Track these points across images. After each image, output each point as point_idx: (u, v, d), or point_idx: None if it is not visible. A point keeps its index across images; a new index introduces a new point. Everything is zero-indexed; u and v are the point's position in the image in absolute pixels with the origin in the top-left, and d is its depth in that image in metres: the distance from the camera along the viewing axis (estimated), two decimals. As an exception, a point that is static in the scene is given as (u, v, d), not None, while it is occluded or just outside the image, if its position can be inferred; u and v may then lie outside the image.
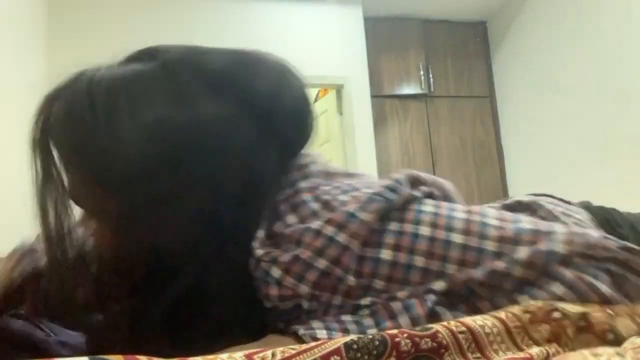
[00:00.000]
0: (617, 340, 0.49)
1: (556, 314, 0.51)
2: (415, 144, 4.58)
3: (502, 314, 0.51)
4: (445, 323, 0.48)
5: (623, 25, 3.63)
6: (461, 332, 0.47)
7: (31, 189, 0.65)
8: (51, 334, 0.82)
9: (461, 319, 0.49)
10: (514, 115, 4.71)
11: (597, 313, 0.52)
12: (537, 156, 4.43)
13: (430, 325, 0.47)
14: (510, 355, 0.46)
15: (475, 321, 0.49)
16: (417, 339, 0.45)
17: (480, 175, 4.67)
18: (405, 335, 0.45)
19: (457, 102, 4.77)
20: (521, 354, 0.46)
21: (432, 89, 4.70)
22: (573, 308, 0.52)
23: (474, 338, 0.47)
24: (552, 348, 0.48)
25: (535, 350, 0.46)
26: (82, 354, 0.49)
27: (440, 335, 0.46)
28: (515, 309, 0.52)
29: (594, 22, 3.86)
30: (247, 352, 0.43)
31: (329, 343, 0.44)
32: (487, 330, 0.48)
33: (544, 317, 0.51)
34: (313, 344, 0.44)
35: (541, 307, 0.51)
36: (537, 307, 0.51)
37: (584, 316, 0.51)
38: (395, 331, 0.45)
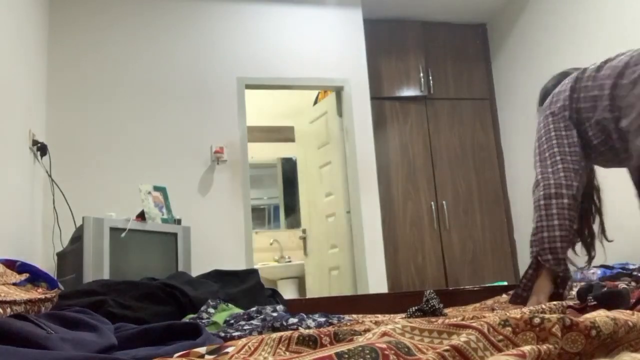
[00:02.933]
0: (599, 336, 0.51)
1: (536, 320, 0.53)
2: (415, 146, 4.59)
3: (484, 328, 0.52)
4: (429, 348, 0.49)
5: (623, 27, 3.64)
6: (446, 350, 0.48)
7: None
8: (51, 332, 0.83)
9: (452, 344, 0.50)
10: (514, 117, 4.72)
11: (572, 315, 0.54)
12: (536, 158, 4.43)
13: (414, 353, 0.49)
14: (498, 356, 0.48)
15: (460, 339, 0.50)
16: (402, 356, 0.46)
17: (480, 177, 4.67)
18: (393, 352, 0.46)
19: (457, 104, 4.78)
20: (514, 351, 0.47)
21: (431, 91, 4.71)
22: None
23: (459, 353, 0.48)
24: (544, 346, 0.49)
25: (527, 348, 0.47)
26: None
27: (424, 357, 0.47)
28: (494, 321, 0.53)
29: (594, 25, 3.87)
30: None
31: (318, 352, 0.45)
32: (473, 345, 0.50)
33: (525, 327, 0.52)
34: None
35: (520, 318, 0.53)
36: (516, 319, 0.53)
37: (563, 318, 0.52)
38: (384, 345, 0.46)
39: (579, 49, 3.99)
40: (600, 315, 0.54)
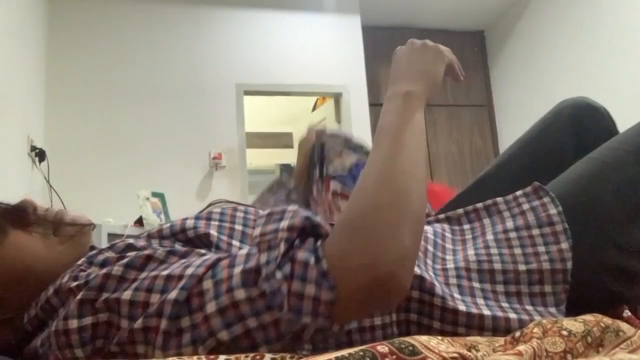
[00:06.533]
0: (573, 334, 0.52)
1: (517, 334, 0.54)
2: (414, 153, 4.59)
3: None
4: (436, 351, 0.48)
5: (619, 34, 3.66)
6: (453, 359, 0.48)
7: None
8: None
9: (458, 350, 0.50)
10: (512, 123, 4.73)
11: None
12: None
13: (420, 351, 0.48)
14: (497, 355, 0.48)
15: (470, 350, 0.50)
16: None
17: (478, 184, 4.68)
18: (394, 357, 0.45)
19: (455, 111, 4.80)
20: (512, 351, 0.47)
21: (430, 98, 4.72)
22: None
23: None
24: (535, 343, 0.49)
25: (522, 347, 0.47)
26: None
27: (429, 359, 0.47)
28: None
29: (591, 32, 3.89)
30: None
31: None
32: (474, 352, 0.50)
33: (512, 341, 0.54)
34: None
35: (505, 342, 0.54)
36: (503, 340, 0.54)
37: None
38: (385, 349, 0.46)
39: (577, 57, 4.00)
40: (565, 319, 0.56)
